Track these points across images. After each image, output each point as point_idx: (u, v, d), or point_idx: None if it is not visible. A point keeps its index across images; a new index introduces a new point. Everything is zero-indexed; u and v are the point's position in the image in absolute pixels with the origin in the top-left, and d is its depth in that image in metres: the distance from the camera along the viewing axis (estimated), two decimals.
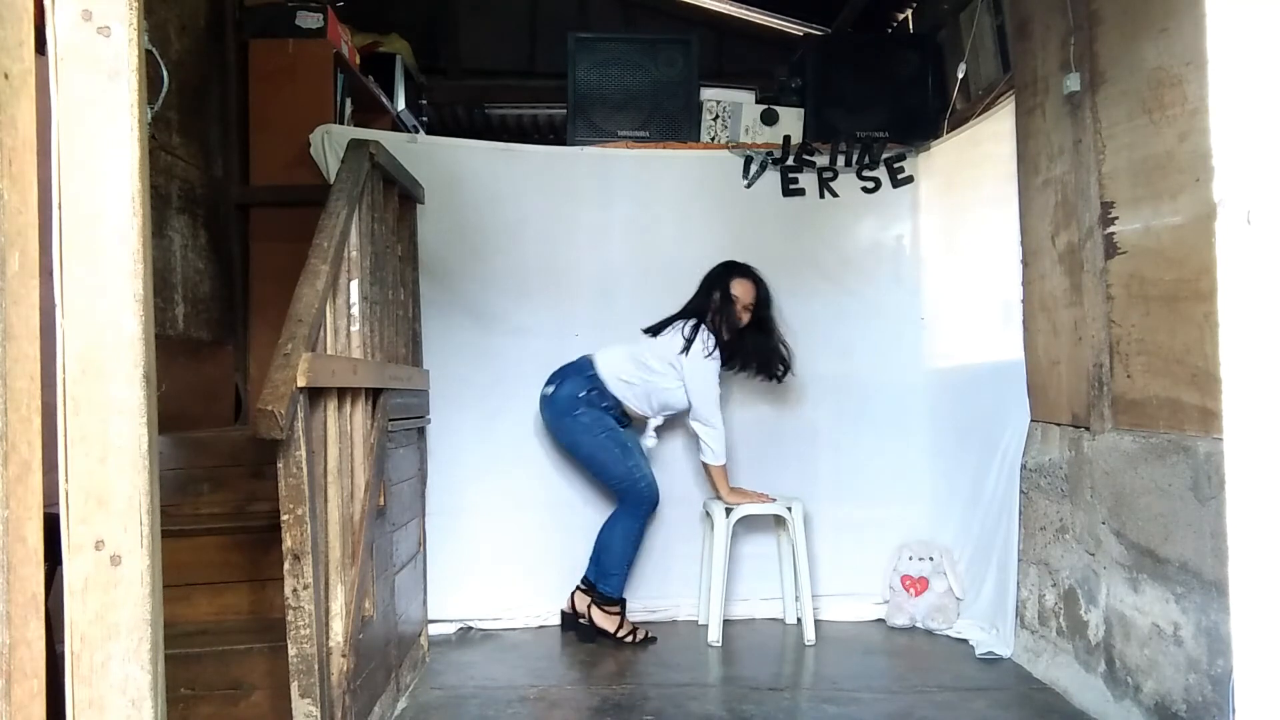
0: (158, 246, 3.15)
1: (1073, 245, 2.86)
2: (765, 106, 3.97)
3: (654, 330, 3.57)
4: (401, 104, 4.47)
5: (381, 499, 2.73)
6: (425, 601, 3.41)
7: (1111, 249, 2.69)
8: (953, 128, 3.78)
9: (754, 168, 3.92)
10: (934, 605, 3.58)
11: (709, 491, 3.70)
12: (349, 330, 2.58)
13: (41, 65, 1.13)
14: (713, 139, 3.96)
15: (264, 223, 3.77)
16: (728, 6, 5.09)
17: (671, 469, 3.79)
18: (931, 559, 3.63)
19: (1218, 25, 0.94)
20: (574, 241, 3.85)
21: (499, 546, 3.72)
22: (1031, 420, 3.17)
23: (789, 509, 3.61)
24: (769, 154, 3.92)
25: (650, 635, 3.49)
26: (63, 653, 1.14)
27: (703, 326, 3.47)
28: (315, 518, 2.15)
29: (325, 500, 2.30)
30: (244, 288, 3.76)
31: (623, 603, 3.52)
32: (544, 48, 5.15)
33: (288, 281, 2.36)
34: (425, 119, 4.84)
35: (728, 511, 3.54)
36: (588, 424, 3.48)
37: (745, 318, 3.52)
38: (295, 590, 2.08)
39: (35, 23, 1.12)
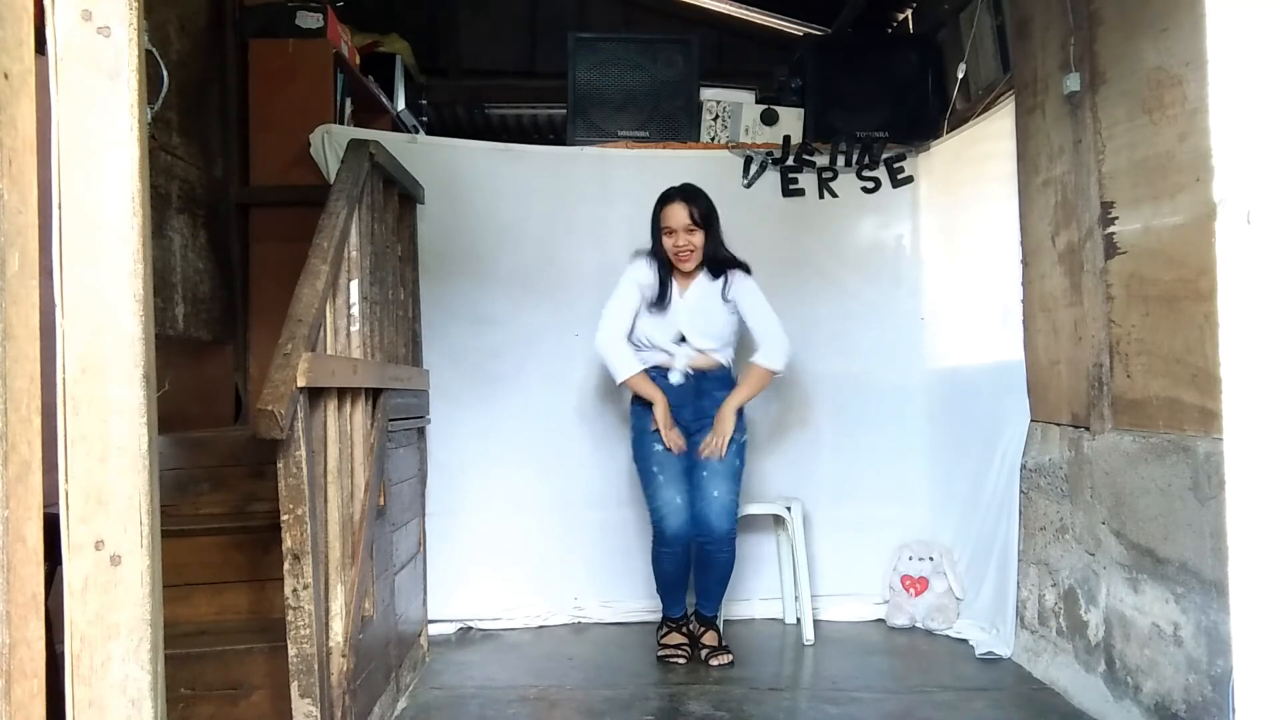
0: (158, 246, 3.15)
1: (1073, 245, 2.86)
2: (765, 106, 3.97)
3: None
4: (401, 104, 4.48)
5: (381, 499, 2.73)
6: (425, 601, 3.41)
7: (1111, 249, 2.69)
8: (953, 128, 3.78)
9: (754, 168, 3.92)
10: (934, 605, 3.58)
11: None
12: (349, 330, 2.58)
13: (41, 65, 1.13)
14: (713, 139, 3.96)
15: (264, 223, 3.77)
16: (728, 6, 5.09)
17: None
18: (931, 559, 3.63)
19: (1218, 25, 0.94)
20: (574, 241, 3.85)
21: (499, 546, 3.72)
22: (1031, 420, 3.17)
23: (788, 509, 3.61)
24: (769, 154, 3.92)
25: (671, 660, 3.27)
26: (63, 653, 1.14)
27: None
28: (315, 518, 2.15)
29: (325, 500, 2.30)
30: (244, 288, 3.76)
31: (667, 620, 3.40)
32: (544, 48, 5.15)
33: (288, 281, 2.36)
34: (425, 119, 4.84)
35: None
36: (631, 440, 3.40)
37: (687, 239, 3.26)
38: (295, 590, 2.09)
39: (35, 23, 1.12)
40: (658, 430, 3.26)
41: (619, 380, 3.32)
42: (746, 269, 3.36)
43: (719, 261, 3.34)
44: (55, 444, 1.13)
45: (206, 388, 3.57)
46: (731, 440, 3.27)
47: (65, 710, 1.13)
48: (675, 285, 3.34)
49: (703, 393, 3.32)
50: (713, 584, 3.33)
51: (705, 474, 3.25)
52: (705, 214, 3.30)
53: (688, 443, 3.29)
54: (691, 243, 3.27)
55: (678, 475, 3.26)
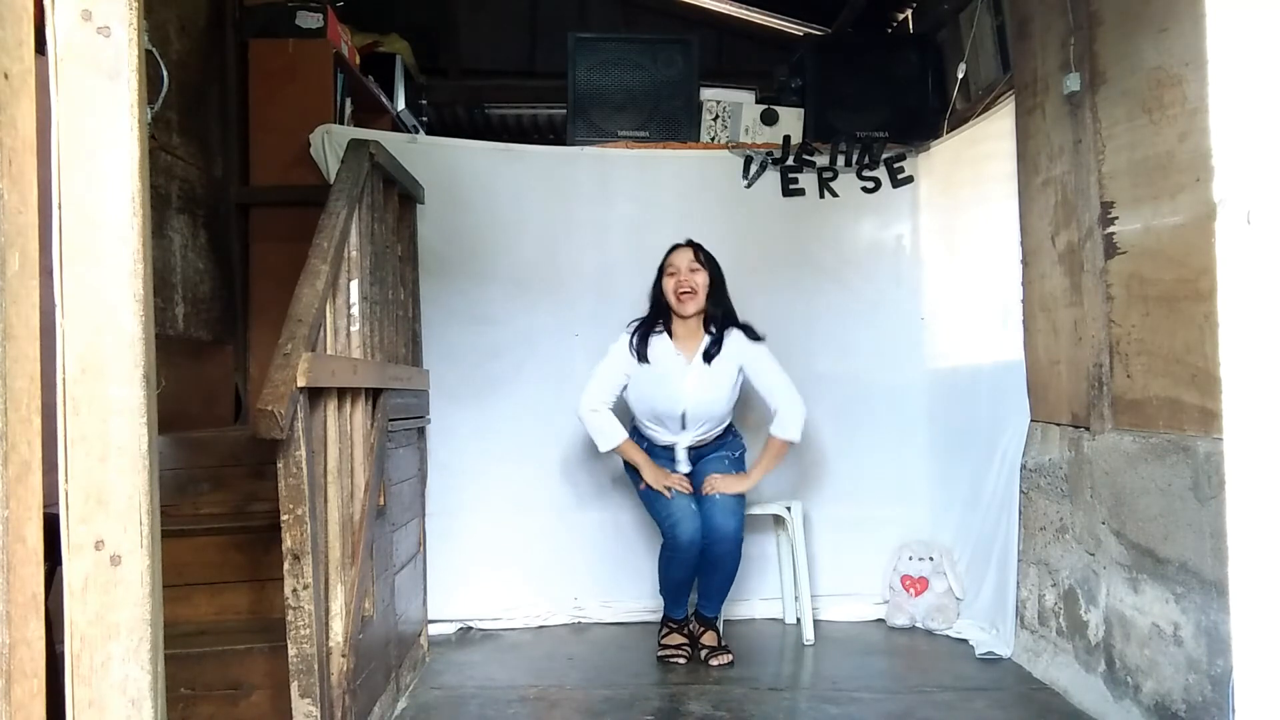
0: (158, 246, 3.15)
1: (1073, 245, 2.86)
2: (765, 106, 3.97)
3: None
4: (401, 104, 4.48)
5: (381, 499, 2.73)
6: (425, 601, 3.41)
7: (1111, 249, 2.69)
8: (953, 128, 3.78)
9: (754, 168, 3.92)
10: (934, 605, 3.58)
11: None
12: (349, 330, 2.58)
13: (41, 65, 1.13)
14: (713, 139, 3.96)
15: (264, 223, 3.77)
16: (728, 6, 5.09)
17: None
18: (931, 559, 3.63)
19: (1218, 25, 0.94)
20: (574, 241, 3.85)
21: (499, 546, 3.72)
22: (1031, 420, 3.17)
23: (788, 509, 3.61)
24: (769, 154, 3.92)
25: (671, 660, 3.27)
26: (63, 653, 1.14)
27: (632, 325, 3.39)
28: (315, 518, 2.15)
29: (325, 500, 2.30)
30: (244, 288, 3.76)
31: (668, 620, 3.41)
32: (544, 48, 5.15)
33: (288, 281, 2.36)
34: (425, 119, 4.84)
35: None
36: (626, 472, 3.47)
37: (689, 276, 3.27)
38: (295, 590, 2.08)
39: (35, 23, 1.12)
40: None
41: (603, 449, 3.34)
42: (753, 333, 3.35)
43: (722, 320, 3.32)
44: (55, 444, 1.13)
45: (206, 388, 3.57)
46: (727, 457, 3.38)
47: (65, 710, 1.13)
48: (680, 352, 3.31)
49: (698, 458, 3.40)
50: (717, 586, 3.32)
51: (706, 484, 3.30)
52: (710, 260, 3.34)
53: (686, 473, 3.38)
54: (694, 281, 3.28)
55: (682, 495, 3.30)
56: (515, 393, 3.77)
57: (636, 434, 3.42)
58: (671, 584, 3.34)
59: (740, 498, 3.26)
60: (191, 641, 2.41)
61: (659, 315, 3.35)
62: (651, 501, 3.31)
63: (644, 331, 3.33)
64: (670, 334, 3.33)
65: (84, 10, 1.14)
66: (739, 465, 3.37)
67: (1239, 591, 0.92)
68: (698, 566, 3.29)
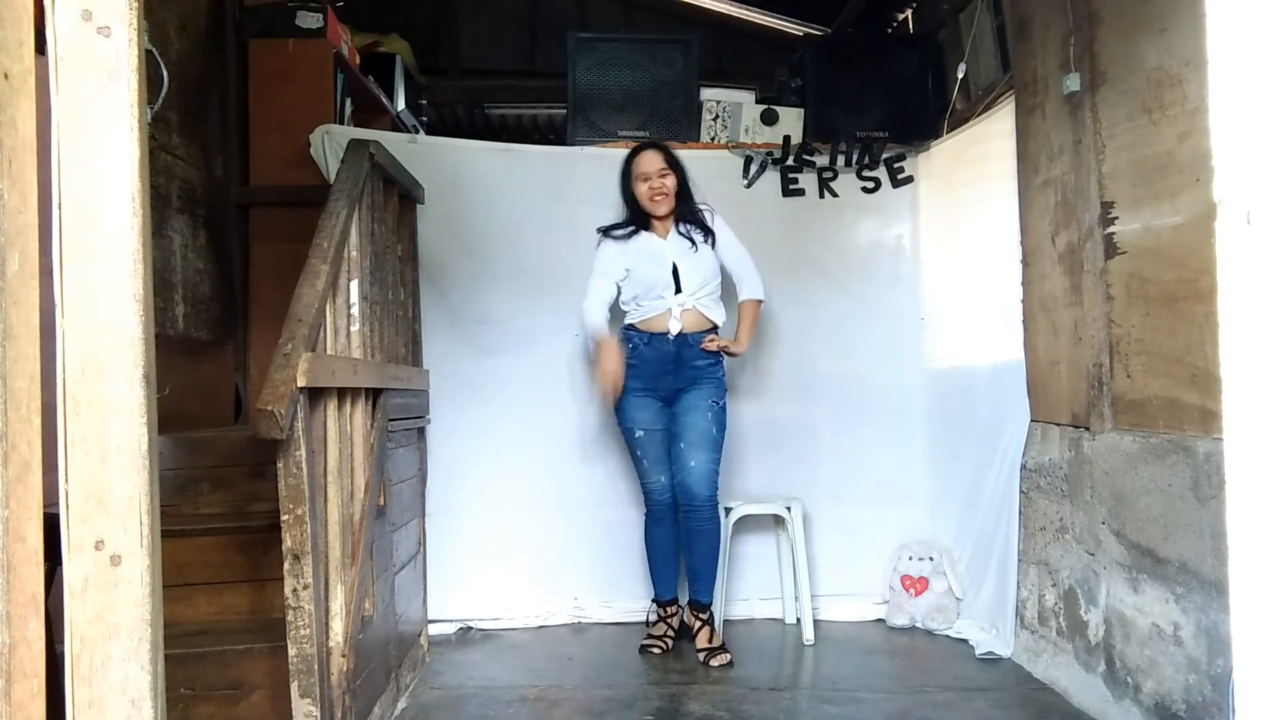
0: (158, 246, 3.15)
1: (1073, 245, 2.86)
2: (765, 106, 3.97)
3: None
4: (401, 104, 4.48)
5: (381, 499, 2.73)
6: (425, 601, 3.42)
7: (1111, 249, 2.69)
8: (953, 128, 3.78)
9: (754, 168, 3.92)
10: (934, 605, 3.58)
11: None
12: (349, 330, 2.58)
13: (41, 65, 1.13)
14: (713, 139, 3.96)
15: (264, 223, 3.77)
16: (728, 6, 5.09)
17: None
18: (931, 559, 3.63)
19: (1218, 25, 0.94)
20: (574, 241, 3.83)
21: (499, 546, 3.72)
22: (1031, 420, 3.17)
23: (788, 509, 3.61)
24: (769, 154, 3.92)
25: (649, 648, 3.39)
26: (63, 653, 1.14)
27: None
28: (315, 518, 2.15)
29: (325, 500, 2.30)
30: (244, 288, 3.76)
31: (656, 605, 3.50)
32: (544, 48, 5.15)
33: (288, 281, 2.36)
34: (425, 119, 4.84)
35: (726, 511, 3.54)
36: (618, 412, 3.42)
37: (661, 181, 3.34)
38: (295, 590, 2.09)
39: (35, 23, 1.12)
40: (635, 392, 3.32)
41: (588, 335, 3.41)
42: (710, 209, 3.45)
43: (690, 214, 3.41)
44: (55, 444, 1.13)
45: (206, 388, 3.57)
46: (709, 406, 3.31)
47: (65, 710, 1.13)
48: (655, 234, 3.40)
49: (683, 361, 3.33)
50: (703, 561, 3.34)
51: (683, 446, 3.30)
52: (676, 162, 3.40)
53: (667, 412, 3.36)
54: (665, 185, 3.35)
55: (660, 456, 3.37)
56: (515, 393, 3.77)
57: (628, 340, 3.38)
58: (653, 551, 3.43)
59: (714, 464, 3.29)
60: (191, 641, 2.41)
61: (634, 218, 3.42)
62: (633, 460, 3.42)
63: (624, 228, 3.42)
64: (648, 229, 3.42)
65: (84, 10, 1.14)
66: (719, 418, 3.32)
67: (1239, 591, 0.92)
68: (678, 540, 3.38)
